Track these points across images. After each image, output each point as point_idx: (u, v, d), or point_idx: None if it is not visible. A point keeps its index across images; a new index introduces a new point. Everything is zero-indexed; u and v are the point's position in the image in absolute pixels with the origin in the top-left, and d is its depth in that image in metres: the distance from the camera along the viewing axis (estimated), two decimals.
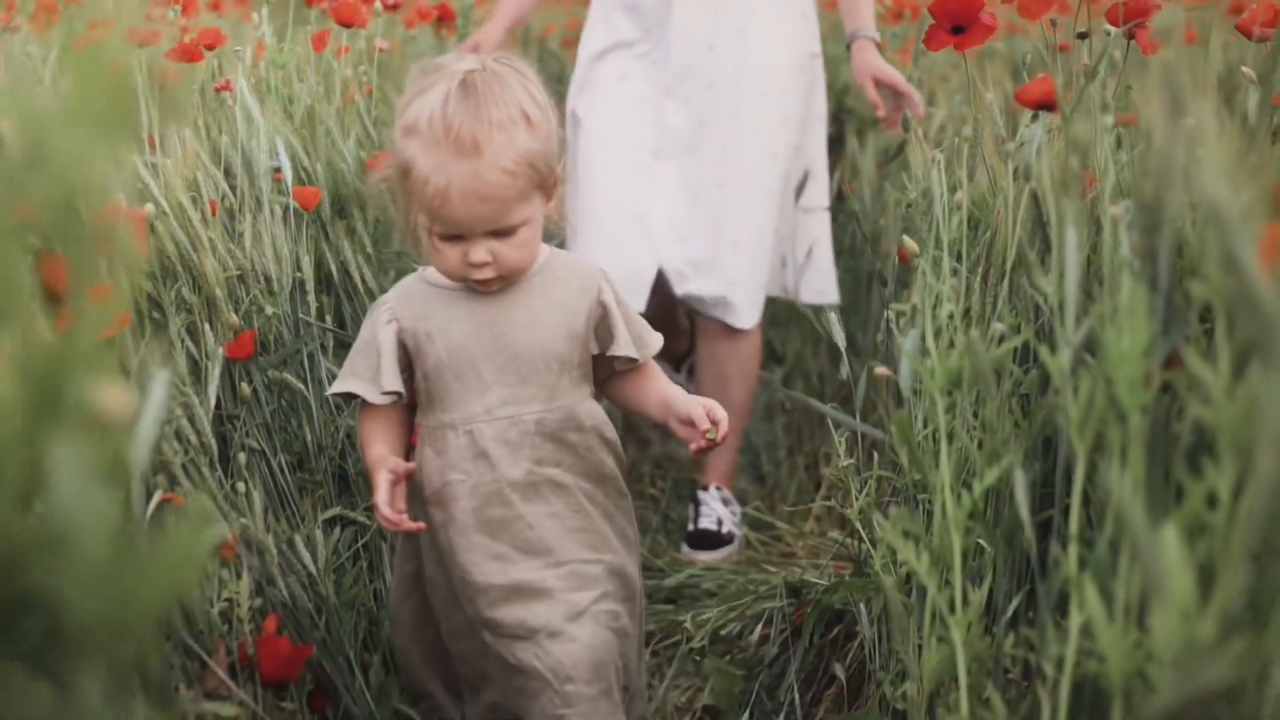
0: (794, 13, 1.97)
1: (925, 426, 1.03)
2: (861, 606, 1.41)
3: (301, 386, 1.51)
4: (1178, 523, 0.68)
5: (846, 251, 2.67)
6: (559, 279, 1.27)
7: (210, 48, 1.93)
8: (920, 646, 1.02)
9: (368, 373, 1.25)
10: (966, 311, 1.12)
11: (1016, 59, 2.54)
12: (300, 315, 1.56)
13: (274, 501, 1.47)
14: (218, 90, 1.89)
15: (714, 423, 1.23)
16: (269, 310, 1.49)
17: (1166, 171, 0.79)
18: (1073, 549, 0.84)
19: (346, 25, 2.05)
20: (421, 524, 1.23)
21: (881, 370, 1.16)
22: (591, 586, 1.27)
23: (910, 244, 1.30)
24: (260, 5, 2.14)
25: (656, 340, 1.31)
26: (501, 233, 1.18)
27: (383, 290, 2.08)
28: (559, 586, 1.25)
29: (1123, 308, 0.79)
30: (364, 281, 1.91)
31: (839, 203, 3.05)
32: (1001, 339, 1.03)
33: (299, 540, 1.34)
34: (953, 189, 1.29)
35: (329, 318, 1.68)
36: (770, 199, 1.96)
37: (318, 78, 2.16)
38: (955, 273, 1.06)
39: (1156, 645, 0.67)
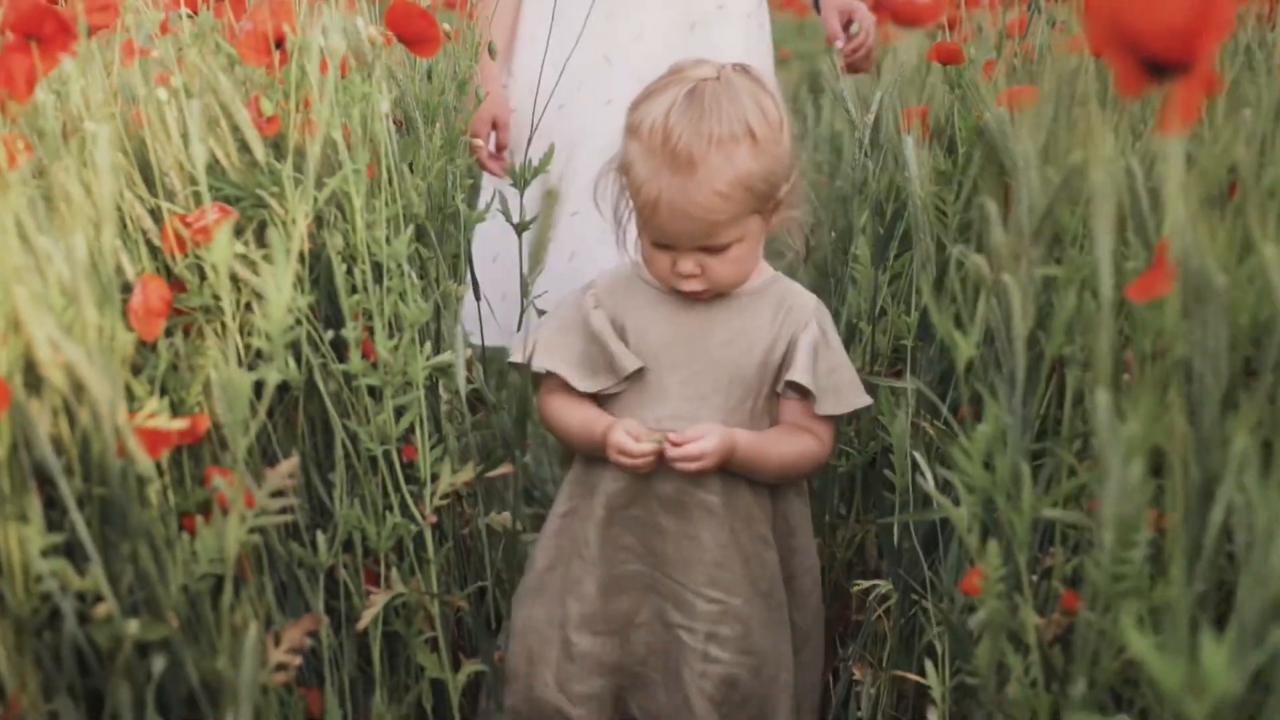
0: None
1: None
2: None
3: None
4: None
5: None
6: (771, 304, 1.22)
7: None
8: None
9: (571, 354, 1.24)
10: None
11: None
12: None
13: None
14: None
15: (675, 443, 1.16)
16: None
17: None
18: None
19: None
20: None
21: None
22: (693, 618, 1.22)
23: None
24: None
25: (855, 399, 1.23)
26: (712, 249, 1.15)
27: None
28: (642, 584, 1.24)
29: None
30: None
31: None
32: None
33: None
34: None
35: None
36: None
37: None
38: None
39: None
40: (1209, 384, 0.83)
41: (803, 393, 1.21)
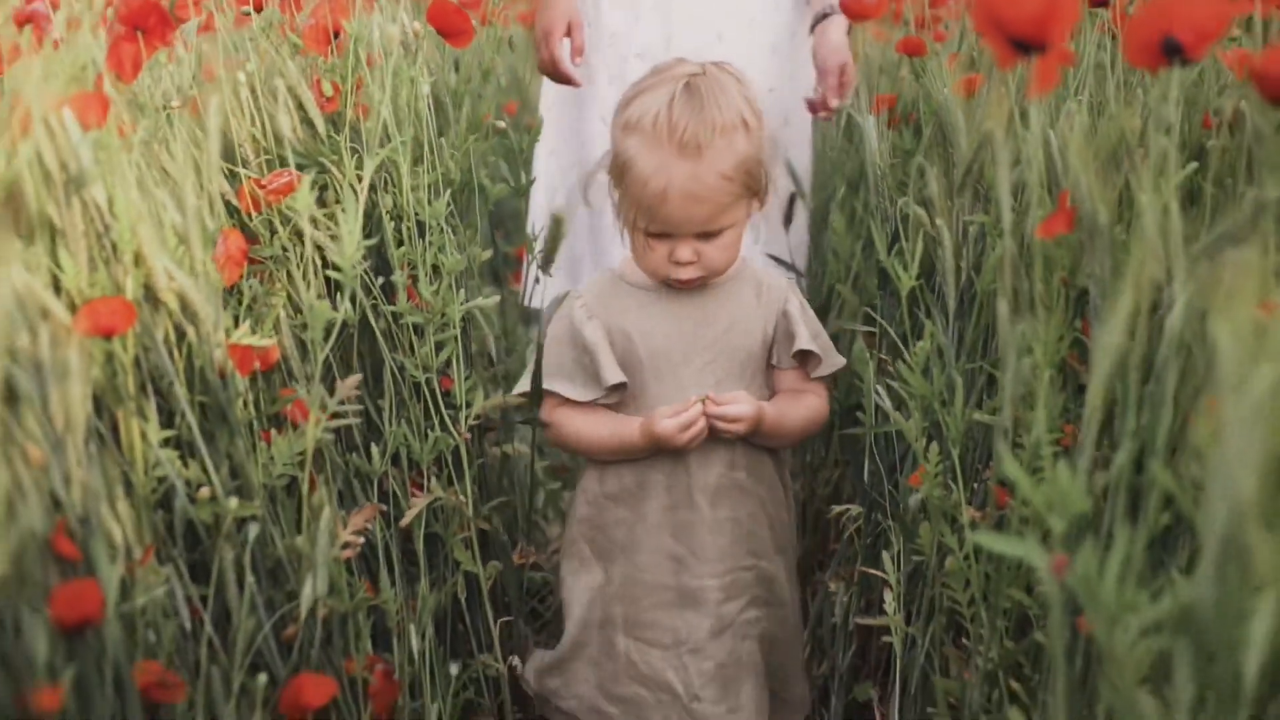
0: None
1: None
2: None
3: None
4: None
5: None
6: (751, 286, 1.30)
7: None
8: None
9: (561, 370, 1.28)
10: None
11: None
12: None
13: None
14: None
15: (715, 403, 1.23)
16: None
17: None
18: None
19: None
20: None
21: None
22: (742, 594, 1.30)
23: None
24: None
25: (837, 360, 1.31)
26: (708, 234, 1.21)
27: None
28: (716, 597, 1.28)
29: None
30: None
31: None
32: None
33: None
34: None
35: None
36: None
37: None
38: None
39: None
40: (1100, 306, 1.04)
41: (799, 359, 1.30)
